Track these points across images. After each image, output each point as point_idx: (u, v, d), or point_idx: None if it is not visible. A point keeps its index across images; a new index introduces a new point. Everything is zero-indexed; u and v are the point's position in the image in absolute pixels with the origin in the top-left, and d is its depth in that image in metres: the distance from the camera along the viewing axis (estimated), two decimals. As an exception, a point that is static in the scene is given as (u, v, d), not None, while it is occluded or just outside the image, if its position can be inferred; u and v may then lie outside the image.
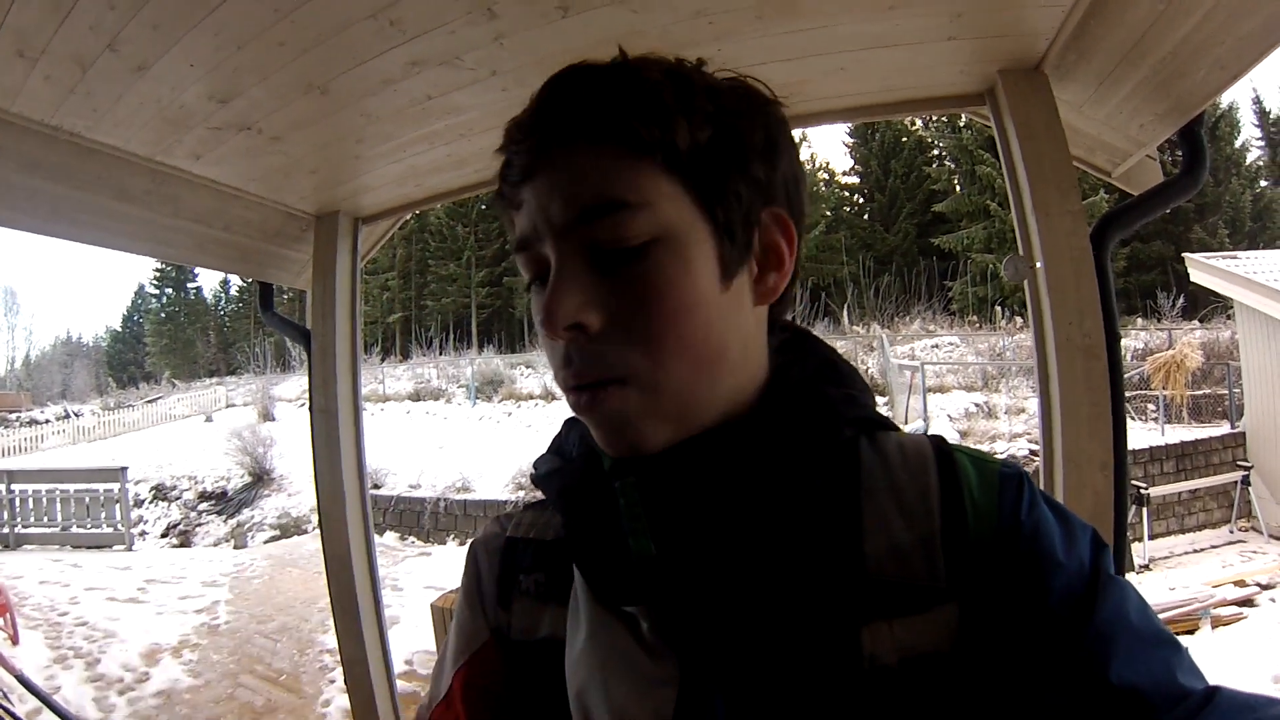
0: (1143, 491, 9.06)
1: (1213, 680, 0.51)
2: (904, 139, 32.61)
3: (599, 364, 0.55)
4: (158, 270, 48.83)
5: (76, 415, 26.38)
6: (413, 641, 5.74)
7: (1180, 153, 1.59)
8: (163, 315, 49.26)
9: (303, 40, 1.45)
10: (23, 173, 1.73)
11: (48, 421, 25.44)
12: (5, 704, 4.31)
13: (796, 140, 0.65)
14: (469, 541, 0.78)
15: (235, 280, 47.20)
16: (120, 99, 1.61)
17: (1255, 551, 8.98)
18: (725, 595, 0.57)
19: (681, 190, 0.56)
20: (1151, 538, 9.24)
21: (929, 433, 0.67)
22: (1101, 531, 1.49)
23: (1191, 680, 0.50)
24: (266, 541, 12.82)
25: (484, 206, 35.18)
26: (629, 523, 0.59)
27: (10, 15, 1.31)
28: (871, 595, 0.55)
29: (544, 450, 0.72)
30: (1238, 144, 29.78)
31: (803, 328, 0.71)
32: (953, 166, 30.28)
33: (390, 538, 12.09)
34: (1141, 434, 11.73)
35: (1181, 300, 20.40)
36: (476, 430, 16.96)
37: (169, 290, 49.95)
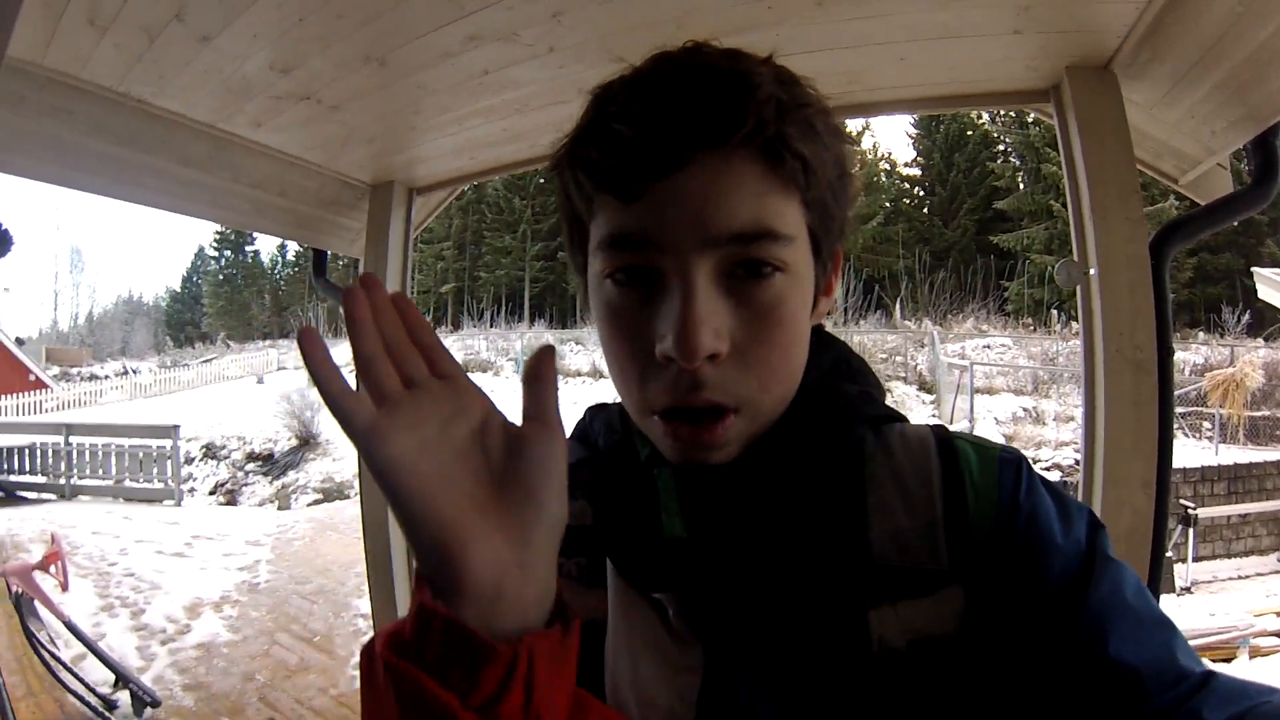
0: (1190, 512, 8.78)
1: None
2: (969, 132, 31.82)
3: (718, 393, 0.54)
4: (217, 233, 50.09)
5: (135, 372, 27.32)
6: (444, 610, 5.85)
7: (1253, 163, 1.53)
8: (220, 277, 50.54)
9: (362, 13, 1.48)
10: (91, 136, 1.79)
11: (107, 377, 26.38)
12: (52, 648, 4.50)
13: None
14: None
15: (292, 245, 48.24)
16: (186, 67, 1.66)
17: (1301, 584, 8.66)
18: (746, 583, 0.58)
19: (805, 228, 0.56)
20: (1196, 560, 8.96)
21: (932, 424, 0.67)
22: (1139, 552, 1.47)
23: (1188, 662, 0.51)
24: (309, 504, 13.13)
25: (542, 180, 35.24)
26: (664, 506, 0.60)
27: (81, -16, 1.35)
28: (877, 580, 0.56)
29: (568, 438, 0.73)
30: (1319, 156, 28.50)
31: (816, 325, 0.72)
32: (1018, 163, 29.50)
33: (429, 507, 12.30)
34: (1195, 452, 11.36)
35: (1247, 316, 19.65)
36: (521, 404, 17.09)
37: (227, 253, 51.22)
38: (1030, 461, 0.61)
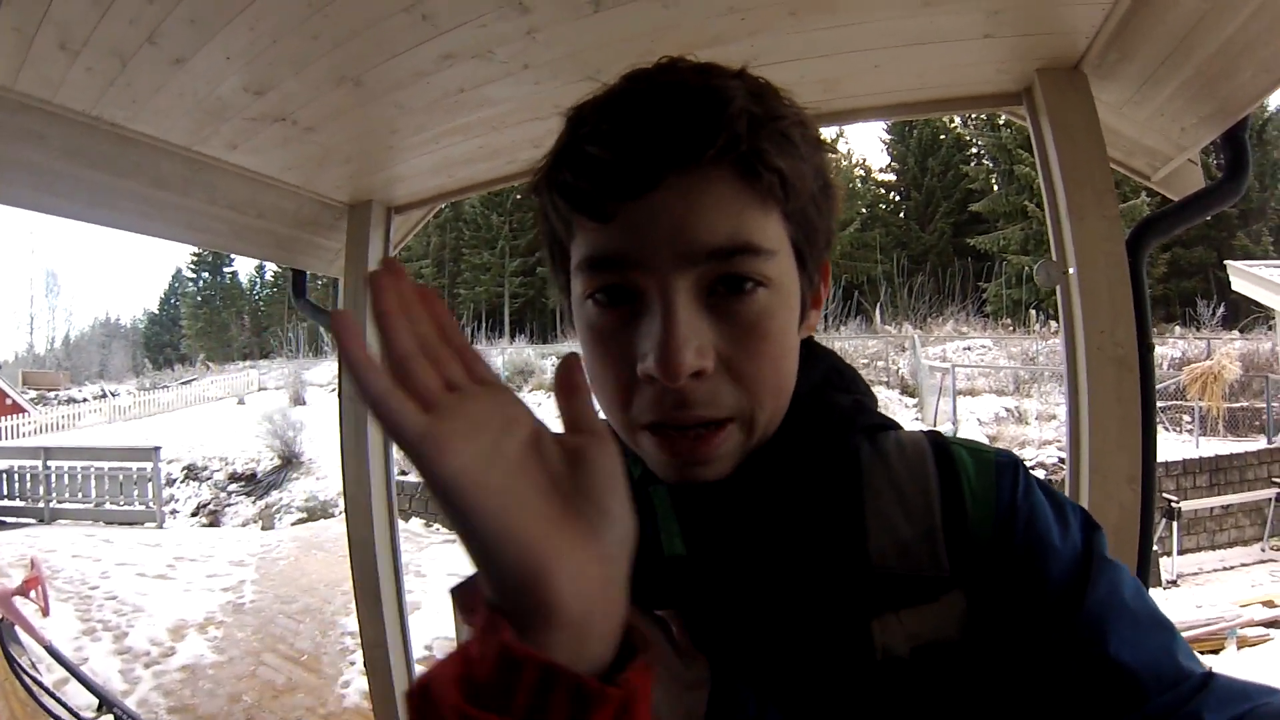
0: (1174, 505, 8.86)
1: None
2: (942, 137, 32.16)
3: (708, 408, 0.53)
4: (195, 255, 49.68)
5: (113, 395, 26.98)
6: (433, 627, 5.80)
7: (1224, 157, 1.56)
8: (199, 299, 50.12)
9: (337, 33, 1.47)
10: (65, 160, 1.77)
11: (85, 400, 26.06)
12: (34, 673, 4.42)
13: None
14: None
15: (270, 265, 47.92)
16: (159, 90, 1.65)
17: (1286, 572, 8.76)
18: (747, 596, 0.59)
19: (788, 240, 0.56)
20: (1181, 553, 9.04)
21: (926, 430, 0.67)
22: (1127, 546, 1.48)
23: (1188, 663, 0.51)
24: (293, 524, 13.01)
25: (518, 196, 35.25)
26: (662, 525, 0.61)
27: (53, 8, 1.34)
28: (879, 589, 0.57)
29: None
30: (1286, 149, 28.99)
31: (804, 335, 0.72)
32: (991, 166, 29.85)
33: (416, 524, 12.21)
34: (1175, 446, 11.48)
35: (1222, 309, 19.91)
36: (505, 420, 17.04)
37: (205, 274, 50.80)
38: (1025, 464, 0.62)
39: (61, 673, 4.58)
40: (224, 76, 1.60)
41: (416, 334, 0.39)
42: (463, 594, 0.42)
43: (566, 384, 0.43)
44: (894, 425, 0.67)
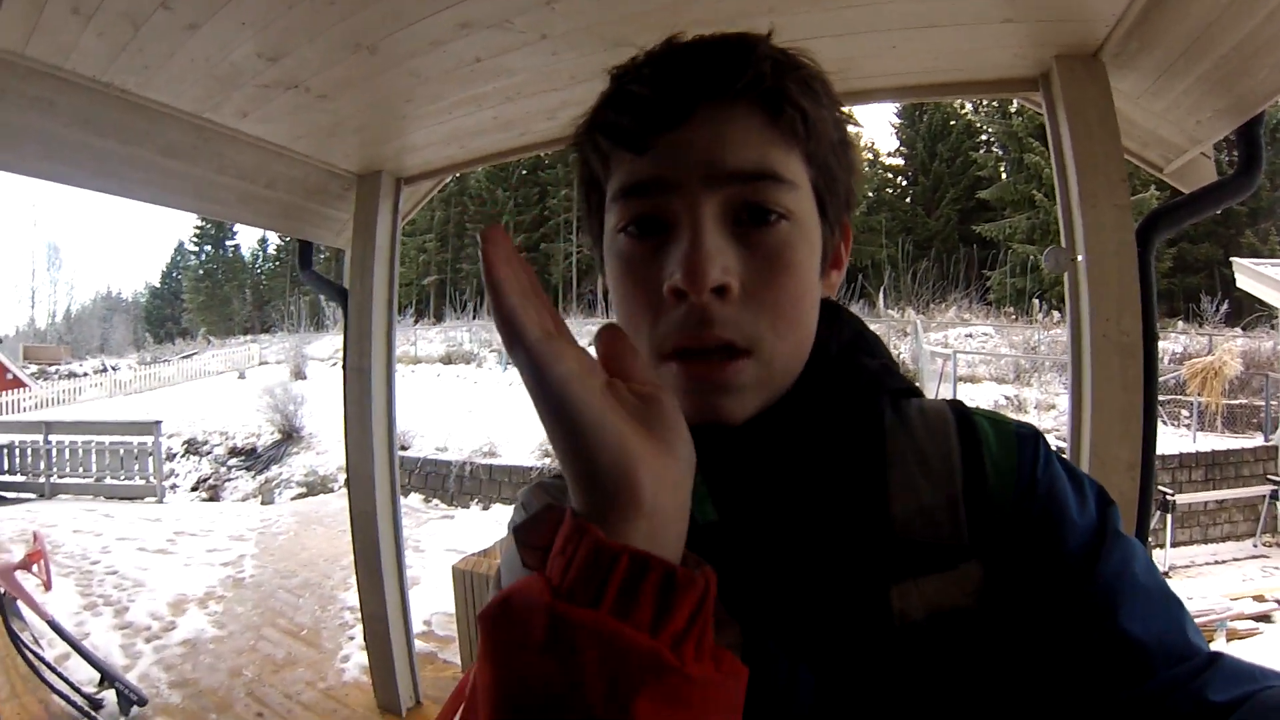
0: (1169, 498, 8.90)
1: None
2: (952, 122, 31.93)
3: (731, 330, 0.55)
4: (197, 227, 49.53)
5: (114, 369, 26.98)
6: (432, 603, 5.81)
7: (1236, 153, 1.56)
8: (200, 272, 49.96)
9: (353, 0, 1.46)
10: (74, 128, 1.76)
11: (86, 375, 26.05)
12: (36, 648, 4.45)
13: None
14: (518, 496, 0.76)
15: (273, 239, 47.91)
16: (171, 56, 1.64)
17: (1277, 568, 8.81)
18: (773, 559, 0.59)
19: (810, 183, 0.58)
20: (1174, 545, 9.08)
21: (948, 398, 0.67)
22: (1125, 532, 1.49)
23: (1196, 641, 0.52)
24: (293, 499, 13.03)
25: (524, 171, 35.14)
26: (694, 489, 0.60)
27: (66, -31, 1.33)
28: (899, 555, 0.57)
29: None
30: (1297, 148, 28.87)
31: (831, 299, 0.72)
32: (1000, 153, 29.64)
33: (415, 499, 12.22)
34: (1173, 439, 11.51)
35: (1225, 305, 19.85)
36: (506, 395, 17.00)
37: (208, 248, 50.65)
38: (1045, 438, 0.62)
39: (63, 647, 4.60)
40: (237, 42, 1.60)
41: (521, 285, 0.41)
42: (526, 531, 0.43)
43: (616, 350, 0.45)
44: (918, 392, 0.67)
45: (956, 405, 0.64)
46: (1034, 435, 0.61)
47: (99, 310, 62.09)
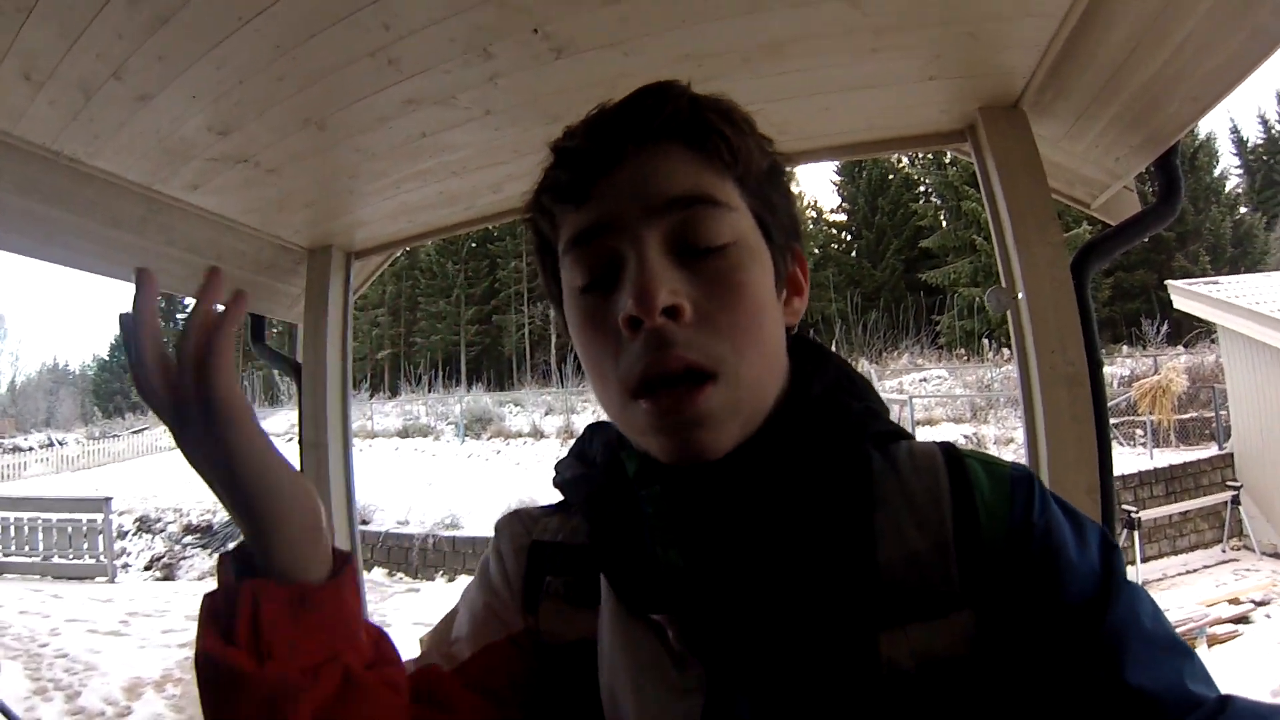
0: (1134, 515, 9.07)
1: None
2: (890, 176, 32.95)
3: (693, 351, 0.56)
4: (146, 299, 48.48)
5: (61, 444, 26.05)
6: (400, 674, 5.67)
7: (1157, 183, 1.64)
8: (150, 344, 48.79)
9: (302, 76, 1.48)
10: (20, 195, 1.73)
11: (31, 449, 25.09)
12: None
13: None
14: (495, 525, 0.77)
15: (224, 310, 46.90)
16: (122, 127, 1.63)
17: (1248, 569, 9.00)
18: (748, 604, 0.57)
19: (748, 209, 0.61)
20: (1144, 560, 9.24)
21: (939, 441, 0.68)
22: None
23: (1204, 689, 0.51)
24: (252, 575, 12.62)
25: (474, 244, 35.26)
26: (656, 533, 0.60)
27: (21, 38, 1.33)
28: (887, 602, 0.56)
29: (565, 455, 0.74)
30: (1216, 173, 30.24)
31: (812, 338, 0.73)
32: (939, 202, 30.65)
33: (378, 573, 11.95)
34: (1130, 459, 11.76)
35: (1165, 326, 20.55)
36: (465, 467, 16.80)
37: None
38: (1041, 480, 0.61)
39: (12, 735, 4.37)
40: (188, 115, 1.60)
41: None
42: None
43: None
44: (906, 435, 0.67)
45: (947, 447, 0.63)
46: (1028, 478, 0.60)
47: (45, 382, 60.14)
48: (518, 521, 0.75)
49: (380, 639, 0.59)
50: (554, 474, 0.72)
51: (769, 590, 0.57)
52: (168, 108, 1.57)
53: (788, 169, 0.67)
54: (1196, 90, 1.40)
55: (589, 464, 0.70)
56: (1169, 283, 12.78)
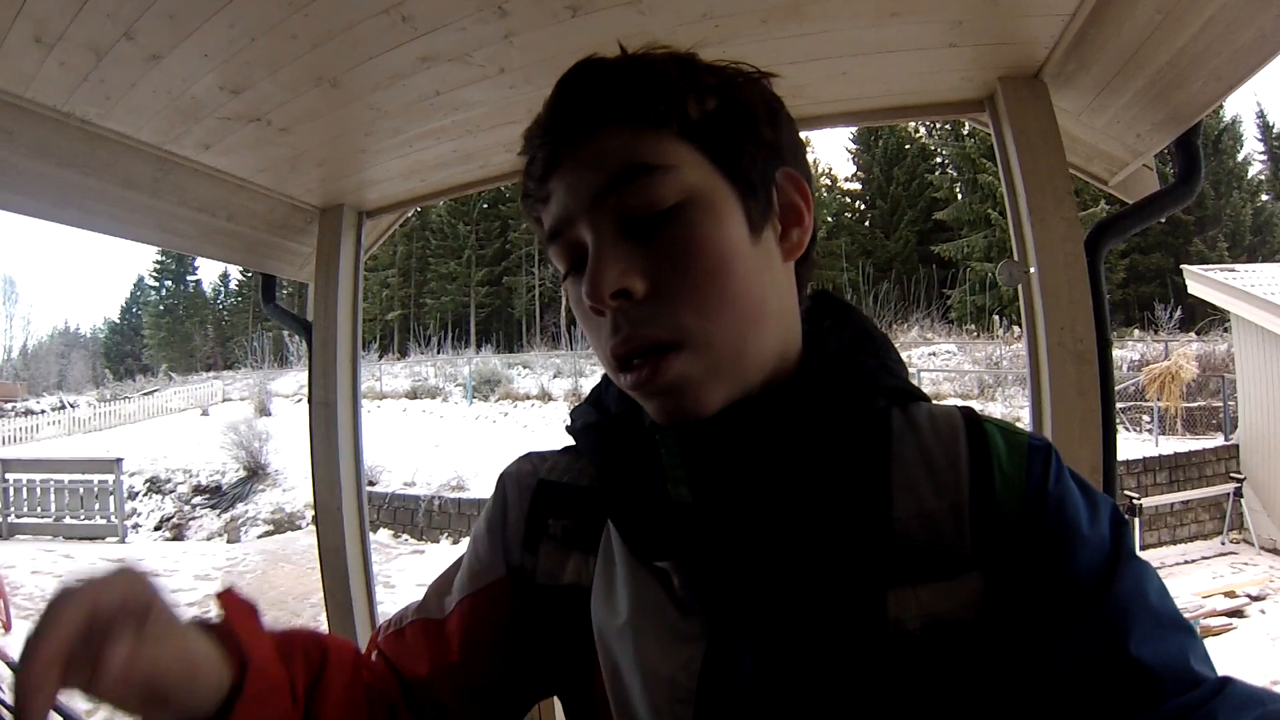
0: (1135, 502, 9.06)
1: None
2: (907, 146, 32.66)
3: (650, 326, 0.56)
4: (157, 262, 48.80)
5: (72, 406, 26.30)
6: (405, 637, 5.75)
7: (1177, 162, 1.62)
8: (161, 308, 49.12)
9: (315, 34, 1.47)
10: (33, 158, 1.74)
11: (43, 412, 25.35)
12: (-3, 691, 4.30)
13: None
14: (499, 473, 0.78)
15: (234, 274, 47.39)
16: (133, 87, 1.63)
17: (1246, 563, 8.99)
18: (755, 553, 0.58)
19: (700, 155, 0.59)
20: (1143, 548, 9.24)
21: (960, 405, 0.68)
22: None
23: (1205, 668, 0.51)
24: (260, 536, 12.80)
25: (485, 205, 35.18)
26: (668, 471, 0.60)
27: (29, 1, 1.32)
28: (898, 559, 0.56)
29: (581, 402, 0.74)
30: (1240, 157, 29.87)
31: (837, 295, 0.73)
32: (955, 175, 30.37)
33: (384, 535, 12.07)
34: (1135, 445, 11.74)
35: (1179, 312, 20.42)
36: (473, 429, 16.93)
37: (168, 283, 49.88)
38: (1058, 451, 0.61)
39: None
40: (200, 74, 1.59)
41: None
42: None
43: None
44: (924, 396, 0.67)
45: (968, 412, 0.64)
46: (1046, 447, 0.60)
47: (56, 346, 60.68)
48: (527, 461, 0.77)
49: (308, 649, 0.63)
50: (568, 420, 0.72)
51: (778, 540, 0.58)
52: (179, 67, 1.56)
53: (764, 97, 0.64)
54: (1222, 69, 1.38)
55: (604, 411, 0.70)
56: (1185, 268, 12.66)
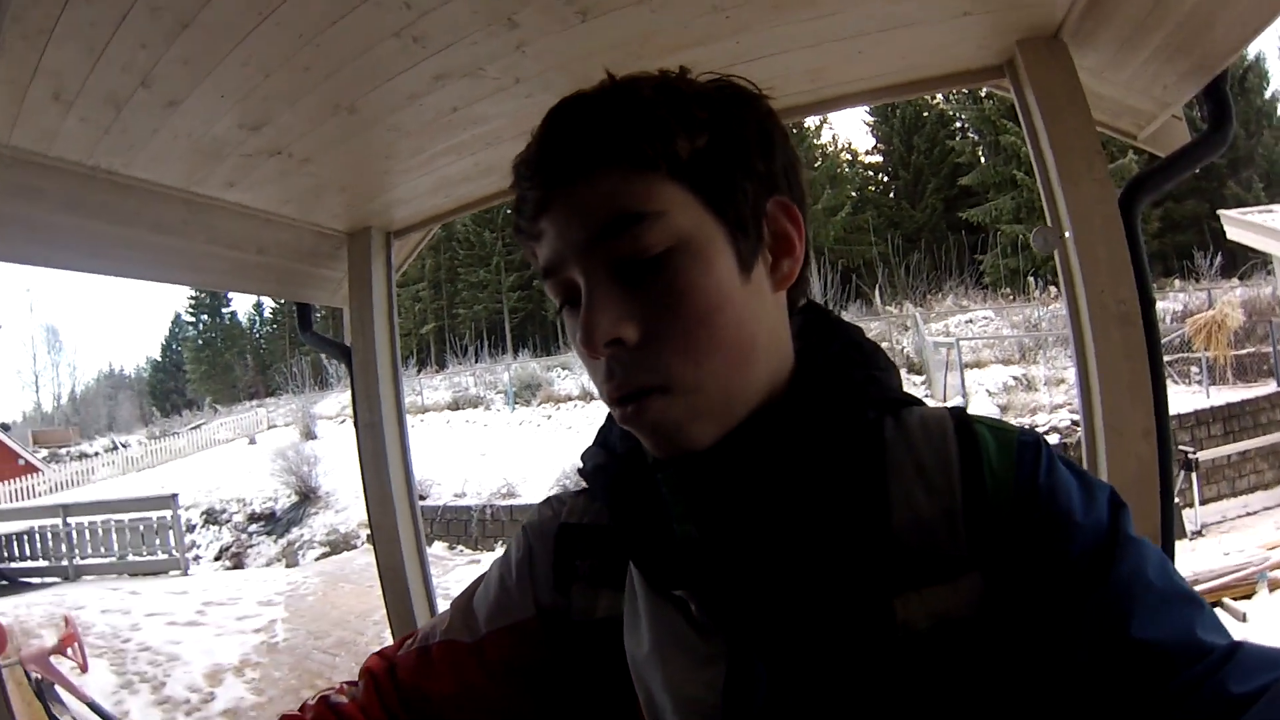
0: (1191, 456, 8.85)
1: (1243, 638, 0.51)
2: (925, 114, 32.20)
3: (640, 373, 0.58)
4: (192, 298, 49.89)
5: (124, 446, 27.05)
6: (465, 647, 5.82)
7: (1206, 110, 1.57)
8: (200, 342, 50.26)
9: (328, 63, 1.49)
10: (63, 212, 1.78)
11: (96, 454, 26.12)
12: (78, 731, 4.43)
13: (786, 128, 0.67)
14: (521, 524, 0.81)
15: (268, 303, 48.18)
16: (155, 134, 1.66)
17: (1312, 510, 8.75)
18: (764, 574, 0.60)
19: (690, 196, 0.59)
20: (1203, 503, 9.01)
21: (950, 406, 0.68)
22: (1148, 499, 1.49)
23: (1213, 636, 0.51)
24: (317, 559, 13.03)
25: (509, 211, 35.35)
26: (673, 509, 0.62)
27: (45, 59, 1.35)
28: (900, 567, 0.57)
29: (590, 444, 0.75)
30: (1268, 95, 28.97)
31: (823, 308, 0.73)
32: (976, 138, 29.92)
33: (439, 548, 12.21)
34: (1186, 398, 11.48)
35: (1219, 258, 19.87)
36: (517, 435, 17.05)
37: (204, 317, 50.97)
38: (1049, 443, 0.61)
39: (106, 729, 4.59)
40: (218, 115, 1.62)
41: None
42: None
43: None
44: (915, 401, 0.67)
45: (957, 413, 0.64)
46: (1035, 442, 0.61)
47: (103, 389, 62.25)
48: (547, 507, 0.80)
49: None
50: (580, 464, 0.74)
51: (784, 560, 0.59)
52: (198, 110, 1.59)
53: (757, 122, 0.63)
54: (1245, 12, 1.34)
55: (611, 451, 0.72)
56: (1221, 212, 12.33)
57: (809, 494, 0.59)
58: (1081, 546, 0.54)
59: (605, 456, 0.71)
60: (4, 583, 12.75)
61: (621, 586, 0.69)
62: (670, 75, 0.62)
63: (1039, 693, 0.53)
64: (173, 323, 57.08)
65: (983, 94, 25.60)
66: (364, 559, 10.90)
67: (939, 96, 30.11)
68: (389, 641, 2.76)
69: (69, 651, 4.63)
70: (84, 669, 4.72)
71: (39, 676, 4.41)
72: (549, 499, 0.81)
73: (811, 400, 0.62)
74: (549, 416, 18.27)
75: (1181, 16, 1.41)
